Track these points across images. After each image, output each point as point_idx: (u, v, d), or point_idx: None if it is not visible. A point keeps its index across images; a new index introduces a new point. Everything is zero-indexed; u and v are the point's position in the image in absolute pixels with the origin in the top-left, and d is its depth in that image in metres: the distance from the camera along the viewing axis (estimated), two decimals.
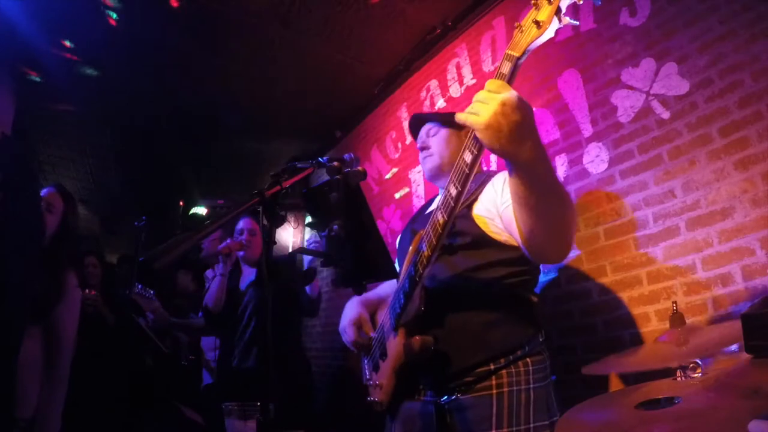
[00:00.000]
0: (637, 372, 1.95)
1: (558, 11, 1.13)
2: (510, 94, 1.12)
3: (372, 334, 1.92)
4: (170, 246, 1.09)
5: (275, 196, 1.40)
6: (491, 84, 1.16)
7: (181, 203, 3.56)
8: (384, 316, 1.83)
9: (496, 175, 1.77)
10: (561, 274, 2.59)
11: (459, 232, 1.66)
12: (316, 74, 4.07)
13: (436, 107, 3.67)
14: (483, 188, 1.73)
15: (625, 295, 2.27)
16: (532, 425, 1.53)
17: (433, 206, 1.88)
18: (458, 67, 3.50)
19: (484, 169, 2.01)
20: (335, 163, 1.57)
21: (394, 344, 1.70)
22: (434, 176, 1.94)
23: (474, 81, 3.34)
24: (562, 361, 2.44)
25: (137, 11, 3.31)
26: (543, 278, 2.60)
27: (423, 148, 1.96)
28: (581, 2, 1.15)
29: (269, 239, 1.37)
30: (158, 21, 3.40)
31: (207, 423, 3.18)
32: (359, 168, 1.57)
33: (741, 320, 0.94)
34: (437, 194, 1.99)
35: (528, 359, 1.62)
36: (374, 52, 3.92)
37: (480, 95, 1.16)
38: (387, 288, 2.13)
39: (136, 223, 3.44)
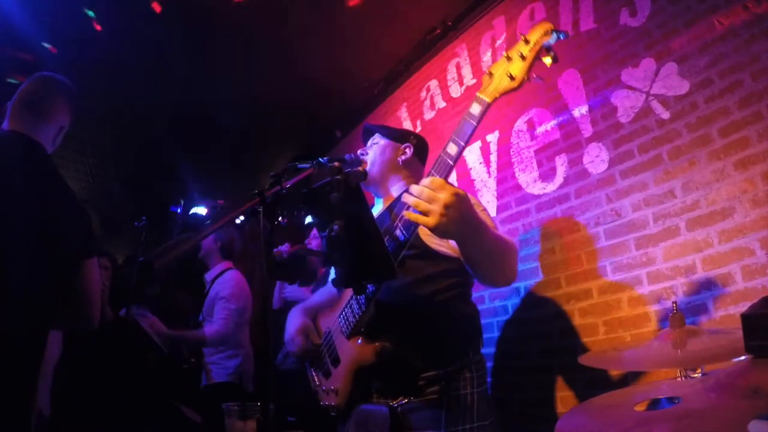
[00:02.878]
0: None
1: (530, 69, 1.40)
2: (449, 196, 1.34)
3: (319, 341, 1.96)
4: (170, 246, 1.09)
5: (275, 196, 1.40)
6: (433, 183, 1.36)
7: (178, 207, 3.53)
8: (331, 323, 1.90)
9: None
10: (560, 275, 2.59)
11: (411, 245, 1.70)
12: (316, 74, 4.06)
13: (437, 107, 3.67)
14: None
15: (624, 296, 2.28)
16: (476, 424, 1.69)
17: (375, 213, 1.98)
18: (458, 67, 3.50)
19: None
20: (336, 164, 1.57)
21: (349, 350, 1.77)
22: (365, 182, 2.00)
23: (474, 81, 3.34)
24: (563, 360, 2.46)
25: (133, 13, 3.31)
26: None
27: (361, 154, 2.07)
28: (550, 64, 1.43)
29: (269, 240, 1.37)
30: (157, 22, 3.40)
31: (207, 423, 3.17)
32: (360, 168, 1.57)
33: (741, 320, 0.93)
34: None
35: (472, 366, 1.76)
36: (374, 53, 3.92)
37: (425, 194, 1.35)
38: (322, 295, 2.20)
39: (136, 223, 3.42)
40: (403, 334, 1.72)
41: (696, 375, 1.44)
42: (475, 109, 1.44)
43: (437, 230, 1.37)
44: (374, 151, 2.05)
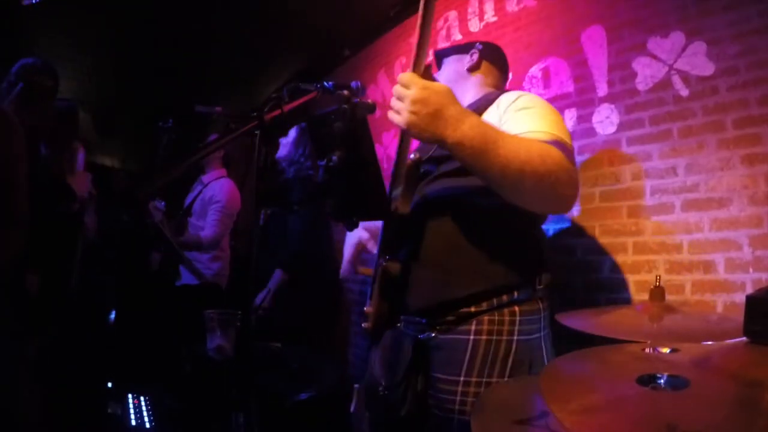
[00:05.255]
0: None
1: None
2: (418, 90, 1.21)
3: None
4: (157, 174, 1.05)
5: (274, 120, 1.35)
6: (402, 78, 1.25)
7: (168, 122, 3.41)
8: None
9: (505, 94, 1.63)
10: (549, 228, 2.61)
11: (446, 155, 1.51)
12: None
13: (452, 39, 3.53)
14: (487, 108, 1.61)
15: (607, 259, 2.31)
16: (506, 379, 1.46)
17: None
18: (481, 2, 3.34)
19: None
20: (345, 92, 1.51)
21: (378, 269, 1.60)
22: None
23: (495, 19, 3.20)
24: None
25: None
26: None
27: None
28: None
29: (264, 165, 1.34)
30: None
31: (187, 323, 3.24)
32: (369, 100, 1.51)
33: (745, 302, 0.93)
34: None
35: (516, 307, 1.51)
36: None
37: (396, 91, 1.25)
38: None
39: (161, 124, 3.28)
40: (435, 257, 1.54)
41: (664, 351, 1.47)
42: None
43: (411, 131, 1.25)
44: (444, 71, 1.90)
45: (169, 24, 4.30)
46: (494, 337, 1.48)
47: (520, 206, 1.37)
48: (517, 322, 1.50)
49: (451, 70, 1.89)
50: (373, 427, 1.68)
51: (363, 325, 1.67)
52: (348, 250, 1.96)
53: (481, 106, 1.64)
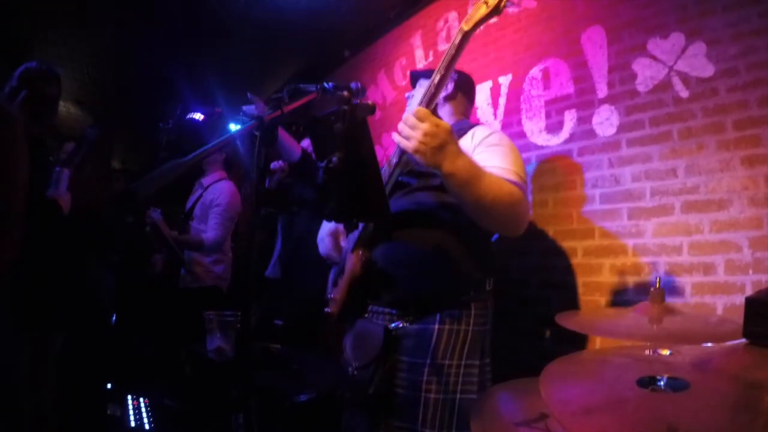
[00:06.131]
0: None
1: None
2: (430, 126, 1.43)
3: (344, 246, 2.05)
4: (156, 175, 1.04)
5: (274, 121, 1.35)
6: (419, 113, 1.45)
7: (168, 123, 3.43)
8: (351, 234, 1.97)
9: (478, 128, 1.90)
10: (550, 229, 2.61)
11: (430, 173, 1.71)
12: None
13: (452, 40, 3.54)
14: (462, 137, 1.84)
15: (607, 262, 2.31)
16: (464, 362, 1.72)
17: None
18: None
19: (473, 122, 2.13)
20: (345, 93, 1.51)
21: (350, 260, 1.83)
22: None
23: (495, 20, 3.20)
24: (536, 312, 2.56)
25: None
26: None
27: (408, 97, 2.12)
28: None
29: (264, 166, 1.34)
30: None
31: (188, 326, 3.24)
32: (369, 101, 1.51)
33: (745, 304, 0.93)
34: None
35: (472, 304, 1.77)
36: None
37: (410, 121, 1.46)
38: None
39: (161, 125, 3.34)
40: (406, 255, 1.77)
41: (664, 353, 1.47)
42: (456, 38, 1.58)
43: (416, 156, 1.47)
44: (419, 92, 2.02)
45: (169, 24, 4.30)
46: (455, 327, 1.74)
47: (480, 225, 1.68)
48: (472, 315, 1.77)
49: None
50: (347, 404, 1.89)
51: (326, 310, 1.90)
52: (328, 238, 2.18)
53: (461, 133, 1.87)
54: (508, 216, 1.63)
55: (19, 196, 1.83)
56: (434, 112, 1.56)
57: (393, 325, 1.77)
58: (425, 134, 1.43)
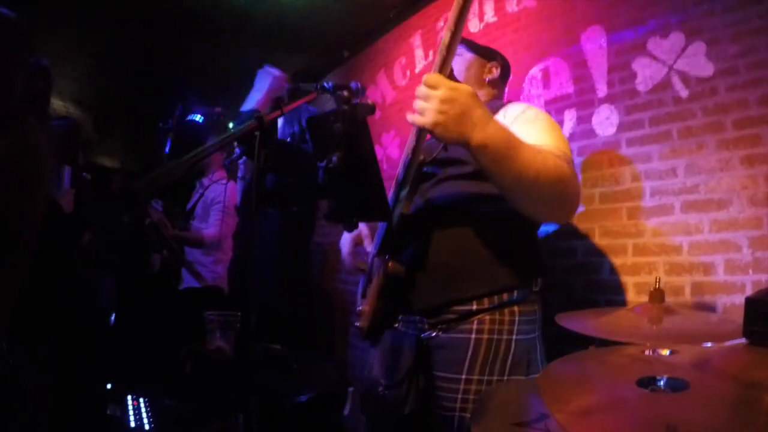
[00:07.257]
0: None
1: None
2: (447, 90, 1.20)
3: (369, 251, 1.83)
4: (156, 175, 1.04)
5: (274, 121, 1.35)
6: (429, 79, 1.23)
7: (168, 122, 3.43)
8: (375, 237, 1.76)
9: (512, 104, 1.70)
10: (550, 229, 2.61)
11: (459, 160, 1.56)
12: None
13: None
14: (494, 115, 1.66)
15: (606, 261, 2.31)
16: (506, 378, 1.49)
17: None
18: (481, 2, 3.34)
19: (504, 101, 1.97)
20: (345, 93, 1.51)
21: (376, 267, 1.62)
22: None
23: (495, 19, 3.21)
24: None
25: None
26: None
27: None
28: None
29: (264, 167, 1.33)
30: None
31: (189, 327, 3.24)
32: (369, 101, 1.51)
33: (745, 304, 0.93)
34: None
35: (516, 307, 1.55)
36: None
37: (421, 92, 1.23)
38: None
39: (161, 125, 3.33)
40: (438, 256, 1.55)
41: (664, 352, 1.47)
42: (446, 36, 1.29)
43: (436, 131, 1.22)
44: (458, 64, 1.82)
45: (169, 24, 4.30)
46: (495, 336, 1.51)
47: (523, 213, 1.41)
48: (516, 322, 1.54)
49: (470, 70, 1.87)
50: (372, 428, 1.71)
51: (356, 324, 1.69)
52: (346, 243, 1.99)
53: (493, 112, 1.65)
54: (555, 195, 1.34)
55: (30, 230, 1.58)
56: (450, 78, 1.31)
57: (424, 334, 1.58)
58: (442, 101, 1.19)
